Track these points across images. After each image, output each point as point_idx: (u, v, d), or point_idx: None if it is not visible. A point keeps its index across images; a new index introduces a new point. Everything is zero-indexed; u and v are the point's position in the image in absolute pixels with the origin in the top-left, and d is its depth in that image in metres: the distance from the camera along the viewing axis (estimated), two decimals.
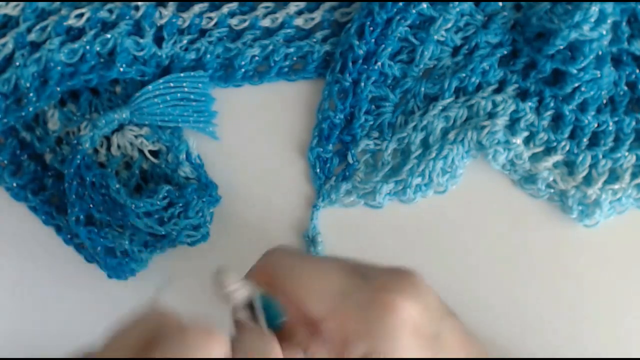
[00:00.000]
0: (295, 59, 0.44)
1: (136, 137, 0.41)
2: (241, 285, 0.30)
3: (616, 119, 0.42)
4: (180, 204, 0.39)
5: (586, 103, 0.42)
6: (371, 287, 0.28)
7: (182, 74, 0.42)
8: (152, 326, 0.26)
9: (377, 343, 0.27)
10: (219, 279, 0.29)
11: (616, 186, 0.41)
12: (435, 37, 0.43)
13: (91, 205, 0.39)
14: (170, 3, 0.43)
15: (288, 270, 0.30)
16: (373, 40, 0.42)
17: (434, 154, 0.41)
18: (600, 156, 0.42)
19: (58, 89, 0.41)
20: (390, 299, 0.27)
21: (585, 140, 0.42)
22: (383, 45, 0.42)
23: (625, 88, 0.43)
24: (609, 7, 0.39)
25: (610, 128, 0.42)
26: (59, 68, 0.41)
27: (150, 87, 0.41)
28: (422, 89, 0.43)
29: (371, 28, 0.42)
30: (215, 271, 0.30)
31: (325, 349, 0.28)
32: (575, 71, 0.41)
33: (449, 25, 0.43)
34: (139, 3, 0.43)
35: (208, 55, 0.43)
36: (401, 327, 0.27)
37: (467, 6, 0.43)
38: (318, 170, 0.42)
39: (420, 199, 0.42)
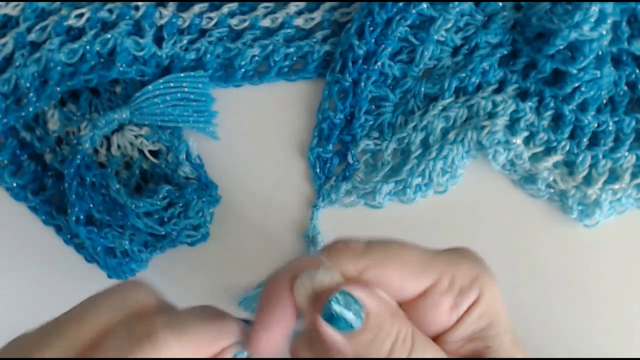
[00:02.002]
0: (295, 59, 0.44)
1: (136, 137, 0.41)
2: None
3: (616, 119, 0.42)
4: (180, 204, 0.39)
5: (586, 103, 0.42)
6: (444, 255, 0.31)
7: (182, 74, 0.42)
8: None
9: (484, 283, 0.30)
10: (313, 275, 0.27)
11: (616, 186, 0.41)
12: (435, 37, 0.43)
13: (91, 205, 0.39)
14: (170, 3, 0.43)
15: (366, 255, 0.28)
16: (373, 40, 0.42)
17: (434, 154, 0.41)
18: (600, 156, 0.42)
19: (58, 89, 0.41)
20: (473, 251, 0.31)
21: (585, 140, 0.42)
22: (383, 45, 0.42)
23: (625, 88, 0.43)
24: (609, 7, 0.39)
25: (610, 128, 0.42)
26: (59, 68, 0.41)
27: (150, 87, 0.41)
28: (422, 89, 0.43)
29: (371, 28, 0.42)
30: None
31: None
32: (575, 71, 0.41)
33: (449, 25, 0.43)
34: (139, 3, 0.43)
35: (208, 55, 0.43)
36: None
37: (467, 6, 0.43)
38: (318, 170, 0.42)
39: (420, 199, 0.42)
